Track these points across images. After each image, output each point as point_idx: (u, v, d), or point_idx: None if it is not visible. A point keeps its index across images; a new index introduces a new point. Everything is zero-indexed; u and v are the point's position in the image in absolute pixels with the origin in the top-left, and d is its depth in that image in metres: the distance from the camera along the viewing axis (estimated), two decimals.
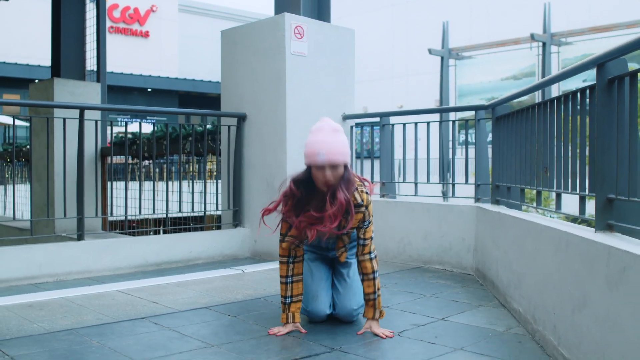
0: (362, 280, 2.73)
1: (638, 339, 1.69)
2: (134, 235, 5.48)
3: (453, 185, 4.67)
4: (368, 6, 21.68)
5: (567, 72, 2.53)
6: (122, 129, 9.05)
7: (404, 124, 4.77)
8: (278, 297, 3.39)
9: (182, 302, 3.31)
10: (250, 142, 4.98)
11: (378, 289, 2.72)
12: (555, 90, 12.55)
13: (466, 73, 17.90)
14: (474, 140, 4.38)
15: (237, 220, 5.03)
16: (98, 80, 7.55)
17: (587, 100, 2.40)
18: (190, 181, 5.46)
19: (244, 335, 2.67)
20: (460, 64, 17.93)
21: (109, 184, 7.05)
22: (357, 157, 5.45)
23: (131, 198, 5.00)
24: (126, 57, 21.79)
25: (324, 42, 4.90)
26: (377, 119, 4.98)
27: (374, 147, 5.21)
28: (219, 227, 5.22)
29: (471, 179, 4.43)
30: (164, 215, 4.93)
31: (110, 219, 7.14)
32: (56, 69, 7.46)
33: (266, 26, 4.80)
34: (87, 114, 4.48)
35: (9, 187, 8.67)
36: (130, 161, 7.36)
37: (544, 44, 15.60)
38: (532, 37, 15.44)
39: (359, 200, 2.66)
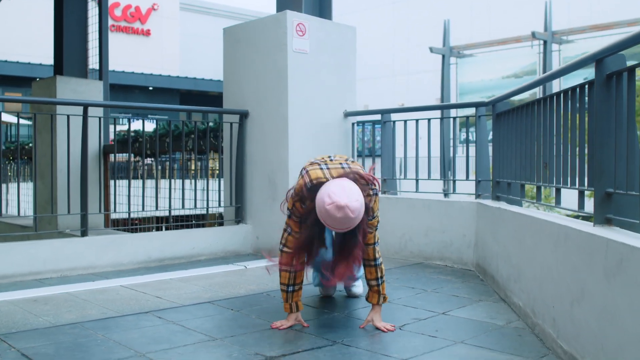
0: (364, 266, 2.75)
1: (635, 330, 1.72)
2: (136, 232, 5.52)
3: (454, 181, 4.70)
4: (369, 4, 21.69)
5: (566, 68, 2.56)
6: (125, 127, 9.08)
7: (405, 121, 4.80)
8: (280, 292, 3.42)
9: (186, 297, 3.35)
10: (253, 139, 5.01)
11: (381, 277, 2.73)
12: (556, 88, 12.57)
13: (467, 71, 17.92)
14: (474, 138, 4.41)
15: (239, 217, 5.06)
16: (100, 78, 7.59)
17: (586, 96, 2.43)
18: (193, 179, 5.49)
19: (247, 329, 2.70)
20: (462, 62, 17.95)
21: (111, 181, 7.10)
22: (358, 155, 5.48)
23: (134, 195, 5.03)
24: (127, 56, 21.82)
25: (325, 39, 4.93)
26: (379, 116, 5.01)
27: (375, 145, 5.24)
28: (221, 224, 5.24)
29: (472, 176, 4.46)
30: (167, 213, 4.97)
31: (113, 216, 7.17)
32: (59, 67, 7.49)
33: (268, 24, 4.83)
34: (90, 111, 4.51)
35: (11, 185, 8.70)
36: (132, 159, 7.39)
37: (545, 42, 15.62)
38: (533, 35, 15.45)
39: (375, 191, 2.60)
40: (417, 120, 4.77)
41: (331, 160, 2.71)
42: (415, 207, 4.52)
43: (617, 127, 2.12)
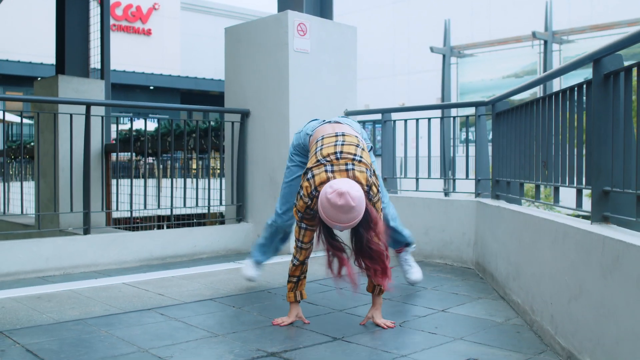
0: None
1: (631, 325, 1.75)
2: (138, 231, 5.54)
3: (454, 180, 4.73)
4: (370, 3, 21.71)
5: (564, 68, 2.59)
6: (125, 126, 9.12)
7: (405, 120, 4.83)
8: (281, 289, 3.46)
9: (188, 294, 3.38)
10: (254, 138, 5.04)
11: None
12: (557, 88, 12.59)
13: (468, 71, 17.94)
14: (474, 137, 4.44)
15: (240, 215, 5.09)
16: (102, 78, 7.62)
17: (585, 95, 2.46)
18: (194, 178, 5.52)
19: (249, 326, 2.73)
20: (462, 62, 17.96)
21: (113, 180, 7.13)
22: None
23: (135, 194, 5.07)
24: (128, 55, 21.84)
25: (326, 39, 4.96)
26: (379, 116, 5.04)
27: (375, 144, 5.27)
28: (222, 223, 5.28)
29: (472, 175, 4.49)
30: (168, 211, 5.00)
31: (115, 215, 7.20)
32: (60, 67, 7.53)
33: (269, 23, 4.86)
34: (93, 110, 4.54)
35: (12, 184, 8.74)
36: (134, 158, 7.42)
37: (545, 42, 15.63)
38: (534, 35, 15.46)
39: (371, 196, 2.59)
40: (417, 120, 4.80)
41: (337, 159, 2.63)
42: (415, 205, 4.55)
43: (614, 127, 2.15)
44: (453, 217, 4.31)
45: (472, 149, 4.53)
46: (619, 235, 1.89)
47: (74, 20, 7.57)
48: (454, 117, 4.93)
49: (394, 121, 4.99)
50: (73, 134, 4.58)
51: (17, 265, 3.89)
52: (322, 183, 2.54)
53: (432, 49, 17.20)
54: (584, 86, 2.44)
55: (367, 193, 2.55)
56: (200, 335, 2.59)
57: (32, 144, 9.03)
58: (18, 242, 4.05)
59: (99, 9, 7.83)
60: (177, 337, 2.56)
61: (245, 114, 5.06)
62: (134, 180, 4.95)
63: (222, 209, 5.75)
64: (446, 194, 4.73)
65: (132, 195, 4.86)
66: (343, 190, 2.39)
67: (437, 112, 5.20)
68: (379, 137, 5.18)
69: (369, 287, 2.77)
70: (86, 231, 4.34)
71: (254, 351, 2.36)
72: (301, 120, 4.75)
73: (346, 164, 2.59)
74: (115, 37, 17.44)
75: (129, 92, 21.20)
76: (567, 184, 2.62)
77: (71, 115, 4.51)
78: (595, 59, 2.22)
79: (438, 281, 3.73)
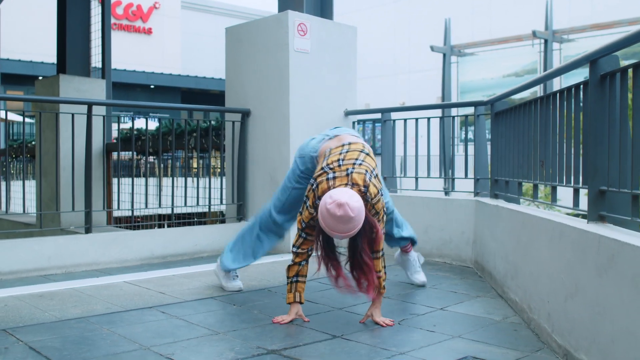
0: None
1: (626, 323, 1.78)
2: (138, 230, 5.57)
3: (453, 179, 4.76)
4: (371, 3, 21.73)
5: (561, 68, 2.61)
6: (128, 126, 9.14)
7: (405, 120, 4.86)
8: (281, 287, 3.49)
9: (189, 293, 3.40)
10: (254, 137, 5.07)
11: (381, 269, 2.75)
12: (557, 87, 12.60)
13: (468, 70, 17.95)
14: (474, 137, 4.46)
15: (241, 214, 5.12)
16: (103, 77, 7.64)
17: (582, 95, 2.48)
18: (195, 177, 5.54)
19: (249, 324, 2.76)
20: (462, 61, 17.97)
21: (114, 179, 7.15)
22: None
23: (137, 193, 5.09)
24: (129, 54, 21.87)
25: (326, 39, 4.98)
26: (379, 115, 5.07)
27: (375, 143, 5.29)
28: (222, 222, 5.31)
29: (471, 174, 4.51)
30: (169, 210, 5.02)
31: (116, 214, 7.23)
32: (62, 66, 7.55)
33: (270, 23, 4.88)
34: (94, 110, 4.56)
35: (13, 183, 8.76)
36: (135, 157, 7.45)
37: (545, 41, 15.64)
38: (534, 34, 15.47)
39: (368, 197, 2.61)
40: (416, 119, 4.82)
41: (339, 165, 2.67)
42: (414, 204, 4.57)
43: (611, 127, 2.17)
44: (452, 216, 4.34)
45: (471, 148, 4.56)
46: (614, 235, 1.91)
47: (75, 19, 7.59)
48: (453, 117, 4.96)
49: (394, 120, 5.02)
50: (74, 133, 4.60)
51: (19, 263, 3.92)
52: (324, 192, 2.59)
53: (432, 48, 17.21)
54: (581, 87, 2.46)
55: (365, 194, 2.58)
56: (201, 333, 2.61)
57: (33, 142, 9.06)
58: (20, 241, 4.08)
59: (99, 8, 7.85)
60: (178, 334, 2.58)
61: (245, 114, 5.09)
62: (135, 179, 4.98)
63: (223, 208, 5.78)
64: (446, 193, 4.75)
65: (133, 194, 4.89)
66: (342, 202, 2.42)
67: (437, 112, 5.22)
68: (379, 136, 5.20)
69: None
70: (88, 230, 4.36)
71: (254, 349, 2.38)
72: (301, 119, 4.79)
73: (347, 169, 2.65)
74: (116, 36, 17.45)
75: (129, 90, 21.22)
76: (564, 184, 2.65)
77: (73, 115, 4.53)
78: (592, 60, 2.25)
79: (437, 280, 3.76)
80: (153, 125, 10.82)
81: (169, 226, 5.00)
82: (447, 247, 4.37)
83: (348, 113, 5.15)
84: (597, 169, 2.24)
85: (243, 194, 5.12)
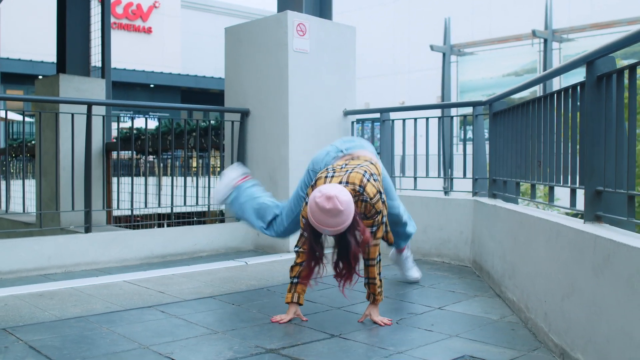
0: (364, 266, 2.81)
1: (621, 323, 1.79)
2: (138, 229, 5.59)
3: (451, 179, 4.77)
4: (370, 2, 21.74)
5: (558, 69, 2.63)
6: (127, 125, 9.16)
7: (404, 120, 4.87)
8: (280, 287, 3.50)
9: (188, 292, 3.42)
10: (254, 137, 5.08)
11: (376, 276, 2.77)
12: (556, 87, 12.61)
13: (468, 69, 17.98)
14: (472, 137, 4.48)
15: None
16: (103, 77, 7.65)
17: (579, 96, 2.49)
18: (194, 176, 5.56)
19: (248, 323, 2.78)
20: (462, 60, 18.00)
21: (114, 178, 7.16)
22: None
23: (136, 193, 5.10)
24: (129, 53, 21.87)
25: (325, 39, 4.99)
26: (378, 115, 5.08)
27: (375, 143, 5.30)
28: (222, 221, 5.32)
29: (469, 174, 4.53)
30: (169, 210, 5.04)
31: (116, 213, 7.25)
32: (61, 65, 7.55)
33: (269, 23, 4.90)
34: (94, 109, 4.58)
35: (13, 182, 8.78)
36: (135, 156, 7.46)
37: (545, 41, 15.67)
38: (534, 34, 15.50)
39: (365, 197, 2.62)
40: (415, 119, 4.83)
41: (341, 168, 2.76)
42: (413, 204, 4.58)
43: (607, 128, 2.19)
44: (451, 215, 4.35)
45: (470, 148, 4.57)
46: (610, 235, 1.93)
47: (75, 19, 7.59)
48: (452, 117, 4.97)
49: (393, 120, 5.03)
50: (74, 132, 4.61)
51: (19, 263, 3.94)
52: None
53: (432, 47, 17.24)
54: (578, 87, 2.48)
55: (361, 194, 2.59)
56: (200, 332, 2.63)
57: (32, 142, 9.08)
58: (20, 241, 4.09)
59: (99, 7, 7.86)
60: (177, 334, 2.60)
61: (245, 113, 5.10)
62: (134, 178, 4.99)
63: (222, 207, 5.79)
64: (446, 193, 4.77)
65: (132, 193, 4.90)
66: (331, 194, 2.44)
67: (436, 112, 5.24)
68: (378, 136, 5.23)
69: (368, 296, 2.82)
70: (87, 229, 4.37)
71: (252, 348, 2.40)
72: (300, 119, 4.80)
73: (347, 171, 2.70)
74: (115, 35, 17.46)
75: (129, 90, 21.23)
76: (561, 184, 2.66)
77: (73, 115, 4.54)
78: (589, 61, 2.26)
79: (435, 279, 3.77)
80: (152, 124, 10.83)
81: (168, 225, 5.01)
82: (445, 246, 4.38)
83: (347, 113, 5.16)
84: (593, 170, 2.25)
85: None
